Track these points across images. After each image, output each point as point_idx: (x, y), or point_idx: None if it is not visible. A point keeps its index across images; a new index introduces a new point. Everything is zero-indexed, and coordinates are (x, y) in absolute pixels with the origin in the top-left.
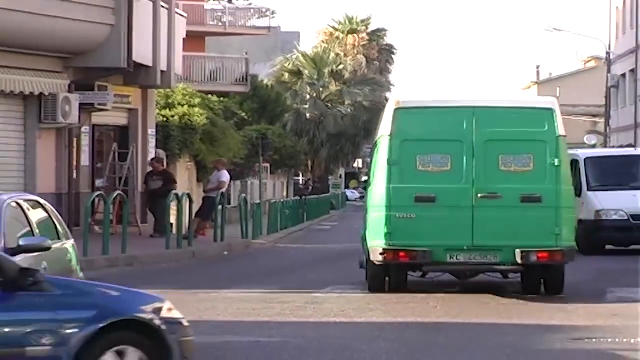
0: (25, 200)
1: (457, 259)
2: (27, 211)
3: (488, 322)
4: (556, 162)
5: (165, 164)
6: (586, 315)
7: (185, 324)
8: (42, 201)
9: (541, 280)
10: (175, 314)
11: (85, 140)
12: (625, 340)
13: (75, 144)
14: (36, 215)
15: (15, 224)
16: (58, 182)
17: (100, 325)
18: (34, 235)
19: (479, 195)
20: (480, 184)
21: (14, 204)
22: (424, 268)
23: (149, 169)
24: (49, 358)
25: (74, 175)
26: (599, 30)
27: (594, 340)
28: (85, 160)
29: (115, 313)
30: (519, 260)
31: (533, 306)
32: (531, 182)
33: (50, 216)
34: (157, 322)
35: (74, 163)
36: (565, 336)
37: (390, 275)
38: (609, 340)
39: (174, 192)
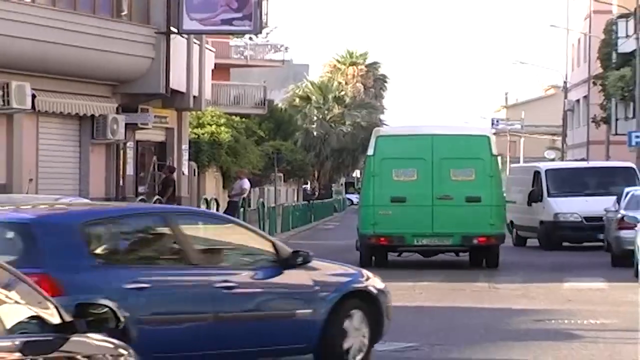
0: (82, 204)
1: (421, 242)
2: None
3: (465, 306)
4: (491, 173)
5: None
6: (546, 300)
7: (388, 290)
8: (92, 203)
9: (483, 257)
10: (379, 284)
11: (130, 154)
12: (579, 321)
13: (121, 157)
14: None
15: None
16: (107, 188)
17: (342, 294)
18: None
19: (437, 197)
20: (437, 189)
21: None
22: (398, 249)
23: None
24: (309, 319)
25: (121, 183)
26: (557, 63)
27: (553, 321)
28: (129, 170)
29: (350, 285)
30: (465, 243)
31: (501, 293)
32: (473, 187)
33: None
34: (374, 290)
35: (121, 172)
36: (529, 318)
37: (375, 255)
38: (565, 321)
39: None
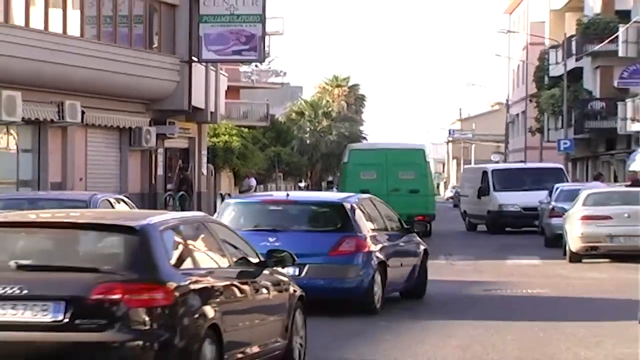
0: (114, 198)
1: None
2: (114, 204)
3: (431, 279)
4: (425, 174)
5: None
6: (493, 274)
7: None
8: (125, 198)
9: (423, 228)
10: None
11: (160, 158)
12: (518, 290)
13: (153, 161)
14: (120, 207)
15: None
16: (142, 186)
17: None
18: None
19: (389, 189)
20: (390, 184)
21: (106, 201)
22: None
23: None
24: (414, 265)
25: (153, 181)
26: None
27: (498, 290)
28: (160, 171)
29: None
30: (412, 219)
31: (457, 268)
32: (413, 183)
33: (129, 207)
34: None
35: (153, 173)
36: (480, 288)
37: None
38: (509, 290)
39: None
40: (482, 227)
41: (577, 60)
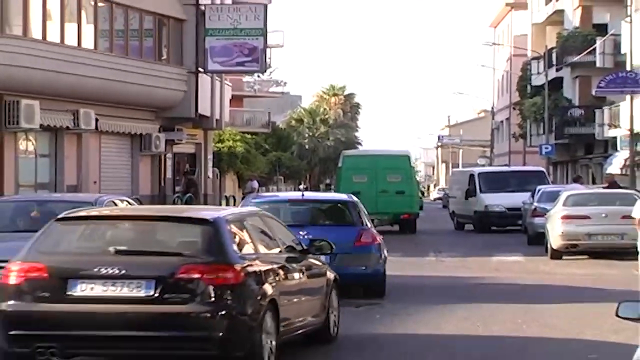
0: (119, 199)
1: (371, 218)
2: (119, 205)
3: (419, 274)
4: (410, 177)
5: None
6: (479, 269)
7: None
8: (130, 200)
9: (407, 227)
10: None
11: (169, 162)
12: (507, 286)
13: (162, 165)
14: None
15: None
16: (152, 188)
17: None
18: None
19: (379, 191)
20: (379, 186)
21: (111, 203)
22: None
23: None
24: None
25: (162, 184)
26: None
27: (487, 283)
28: (169, 174)
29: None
30: (396, 218)
31: (446, 264)
32: (400, 185)
33: None
34: None
35: (162, 176)
36: (467, 282)
37: None
38: (495, 282)
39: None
40: (469, 227)
41: (557, 70)
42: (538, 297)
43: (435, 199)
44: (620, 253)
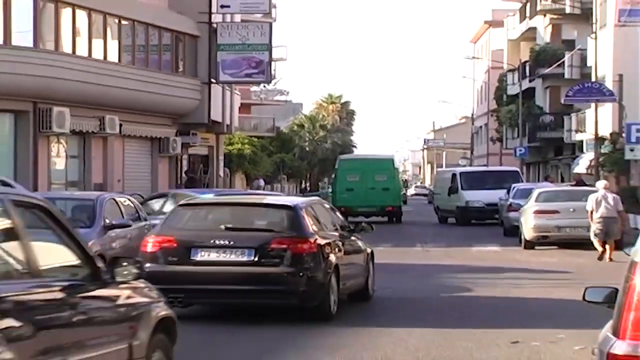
0: (120, 198)
1: (362, 210)
2: (120, 204)
3: (408, 262)
4: (394, 176)
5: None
6: (461, 258)
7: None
8: (131, 198)
9: (393, 217)
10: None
11: (184, 163)
12: (486, 273)
13: (179, 165)
14: (126, 206)
15: (111, 211)
16: (169, 185)
17: None
18: (123, 218)
19: (368, 188)
20: (368, 184)
21: (112, 200)
22: (351, 214)
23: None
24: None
25: (178, 182)
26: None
27: (467, 272)
28: (184, 174)
29: None
30: (383, 210)
31: (432, 254)
32: (385, 183)
33: (135, 207)
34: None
35: (178, 175)
36: (450, 270)
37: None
38: (475, 270)
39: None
40: (451, 220)
41: (530, 81)
42: (513, 283)
43: (412, 195)
44: (587, 243)
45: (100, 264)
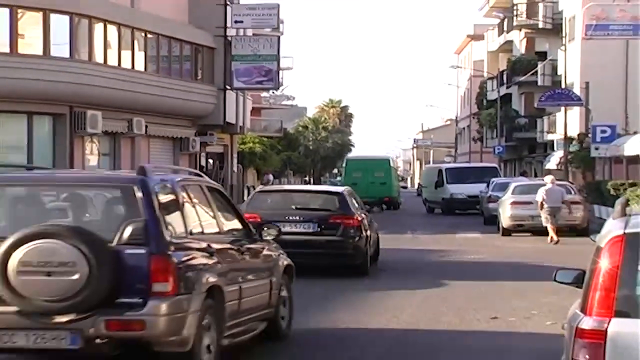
0: None
1: (364, 200)
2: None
3: (399, 247)
4: (390, 173)
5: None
6: (447, 244)
7: None
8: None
9: (391, 205)
10: None
11: (202, 159)
12: (465, 256)
13: (197, 161)
14: None
15: None
16: None
17: None
18: None
19: (369, 182)
20: (369, 179)
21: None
22: None
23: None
24: None
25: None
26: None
27: (451, 255)
28: (203, 169)
29: None
30: (380, 200)
31: (420, 239)
32: (383, 179)
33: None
34: None
35: (197, 170)
36: (437, 254)
37: None
38: (458, 255)
39: None
40: (438, 210)
41: (507, 88)
42: (492, 265)
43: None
44: (557, 231)
45: (252, 228)
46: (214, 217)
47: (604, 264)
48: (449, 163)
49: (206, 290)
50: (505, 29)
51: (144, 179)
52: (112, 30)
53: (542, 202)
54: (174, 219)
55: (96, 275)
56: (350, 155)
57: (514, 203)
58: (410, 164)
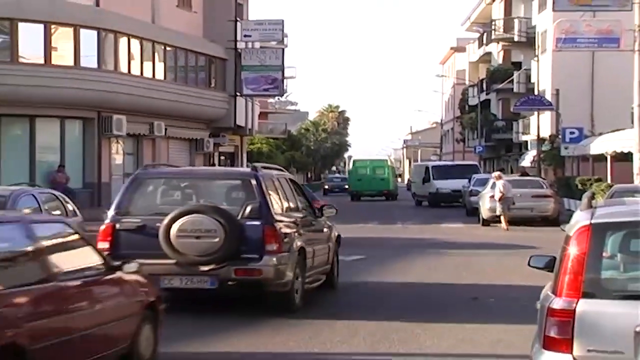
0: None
1: (367, 192)
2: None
3: (389, 236)
4: (390, 171)
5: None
6: (433, 233)
7: None
8: (55, 192)
9: (389, 196)
10: None
11: (215, 158)
12: (449, 242)
13: (211, 160)
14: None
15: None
16: None
17: None
18: None
19: (371, 178)
20: (371, 176)
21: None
22: (361, 196)
23: None
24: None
25: None
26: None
27: (436, 243)
28: (216, 167)
29: None
30: (380, 192)
31: (409, 229)
32: (382, 175)
33: (60, 201)
34: None
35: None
36: (424, 242)
37: (354, 198)
38: (444, 241)
39: None
40: (425, 203)
41: (486, 94)
42: (473, 252)
43: None
44: (530, 221)
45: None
46: (295, 199)
47: (573, 250)
48: (435, 161)
49: (297, 250)
50: (484, 42)
51: (256, 174)
52: (135, 43)
53: (502, 195)
54: (275, 200)
55: (229, 239)
56: (355, 157)
57: (492, 197)
58: (400, 162)
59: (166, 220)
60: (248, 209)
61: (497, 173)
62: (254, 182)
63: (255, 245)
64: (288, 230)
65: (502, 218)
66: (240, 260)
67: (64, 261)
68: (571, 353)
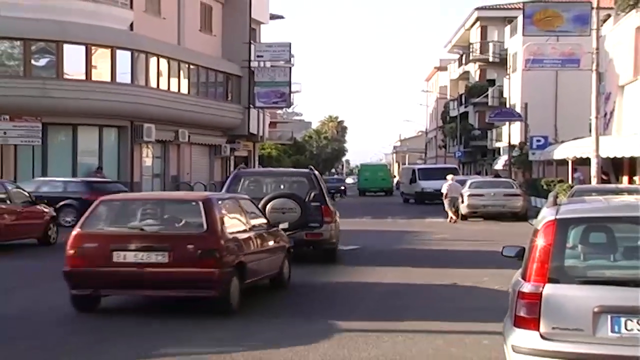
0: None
1: (372, 189)
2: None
3: (381, 229)
4: (388, 173)
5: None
6: (419, 226)
7: None
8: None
9: (387, 193)
10: None
11: (231, 161)
12: (433, 235)
13: (227, 163)
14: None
15: None
16: (222, 177)
17: None
18: None
19: (374, 179)
20: (374, 177)
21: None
22: (366, 193)
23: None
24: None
25: (227, 175)
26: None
27: (422, 235)
28: (231, 169)
29: None
30: (382, 191)
31: (399, 223)
32: (383, 177)
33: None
34: None
35: (227, 170)
36: (411, 234)
37: (363, 194)
38: (428, 235)
39: None
40: (412, 201)
41: (465, 107)
42: (453, 242)
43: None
44: (502, 217)
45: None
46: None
47: (540, 242)
48: (421, 165)
49: (337, 220)
50: (463, 62)
51: (313, 172)
52: (163, 62)
53: (446, 194)
54: (325, 189)
55: (302, 214)
56: (362, 162)
57: (470, 195)
58: (390, 165)
59: (262, 202)
60: (312, 195)
61: (450, 176)
62: (312, 176)
63: (318, 218)
64: (334, 209)
65: (449, 212)
66: (308, 228)
67: (253, 220)
68: (538, 330)
